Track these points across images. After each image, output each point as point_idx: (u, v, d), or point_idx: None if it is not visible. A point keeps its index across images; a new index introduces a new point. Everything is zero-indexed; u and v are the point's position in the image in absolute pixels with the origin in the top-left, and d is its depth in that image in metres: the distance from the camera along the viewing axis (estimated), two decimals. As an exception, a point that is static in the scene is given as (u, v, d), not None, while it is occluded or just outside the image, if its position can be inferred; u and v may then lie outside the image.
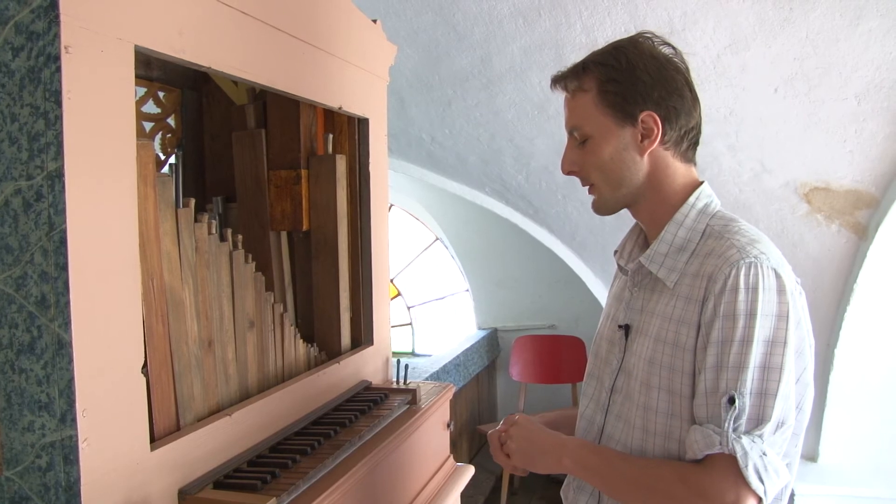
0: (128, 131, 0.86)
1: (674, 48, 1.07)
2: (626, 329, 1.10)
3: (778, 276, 0.95)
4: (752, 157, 2.34)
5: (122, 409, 0.85)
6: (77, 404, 0.77)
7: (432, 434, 1.59)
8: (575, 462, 1.04)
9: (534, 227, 3.31)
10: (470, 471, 1.74)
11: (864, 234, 2.38)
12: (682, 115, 1.04)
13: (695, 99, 1.06)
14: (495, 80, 2.45)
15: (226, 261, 1.19)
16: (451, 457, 1.72)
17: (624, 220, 1.14)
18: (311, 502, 1.03)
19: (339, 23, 1.42)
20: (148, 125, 1.45)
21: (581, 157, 1.08)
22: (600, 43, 1.11)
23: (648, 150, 1.04)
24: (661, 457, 1.00)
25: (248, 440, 1.13)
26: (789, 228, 2.46)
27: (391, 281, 3.60)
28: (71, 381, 0.77)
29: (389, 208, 1.86)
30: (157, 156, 1.47)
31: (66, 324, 0.77)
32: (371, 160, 1.59)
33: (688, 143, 1.07)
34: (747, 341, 0.91)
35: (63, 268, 0.77)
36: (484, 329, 4.83)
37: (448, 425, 1.68)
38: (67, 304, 0.77)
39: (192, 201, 1.10)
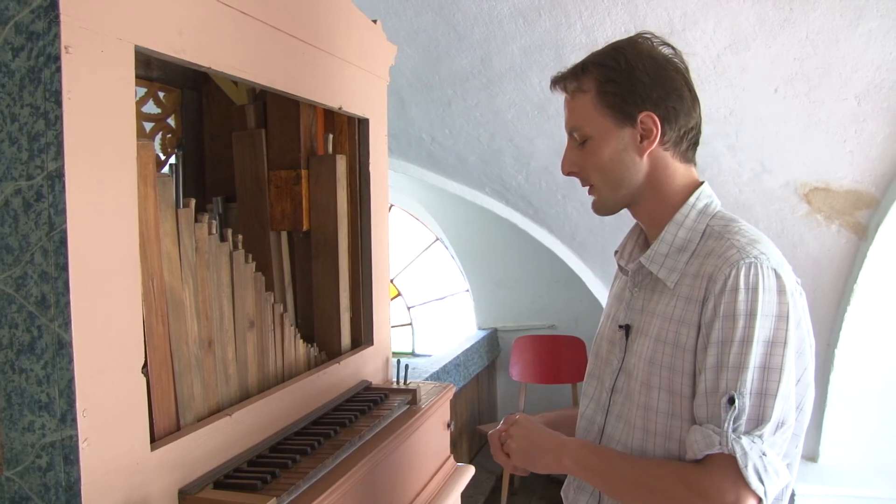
0: (128, 131, 0.86)
1: (673, 48, 1.06)
2: (627, 329, 1.10)
3: (778, 277, 0.95)
4: (752, 157, 2.34)
5: (122, 409, 0.85)
6: (77, 404, 0.77)
7: (432, 434, 1.59)
8: (575, 462, 1.04)
9: (534, 228, 3.31)
10: (470, 471, 1.74)
11: (864, 234, 2.38)
12: (681, 115, 1.04)
13: (694, 99, 1.06)
14: (495, 80, 2.45)
15: (226, 261, 1.19)
16: (452, 457, 1.72)
17: (624, 221, 1.14)
18: (311, 502, 1.03)
19: (340, 23, 1.42)
20: (148, 125, 1.45)
21: (581, 158, 1.08)
22: (600, 43, 1.11)
23: (648, 151, 1.04)
24: (661, 457, 1.00)
25: (248, 440, 1.13)
26: (789, 229, 2.46)
27: (391, 281, 3.59)
28: (71, 381, 0.77)
29: (389, 208, 1.86)
30: (158, 156, 1.47)
31: (67, 324, 0.77)
32: (371, 160, 1.59)
33: (687, 143, 1.07)
34: (747, 341, 0.91)
35: (63, 268, 0.77)
36: (484, 329, 4.83)
37: (448, 425, 1.68)
38: (67, 304, 0.77)
39: (193, 201, 1.10)
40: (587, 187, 1.11)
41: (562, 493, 1.20)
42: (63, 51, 0.75)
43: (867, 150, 2.19)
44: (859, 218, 2.35)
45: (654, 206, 1.08)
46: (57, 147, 0.76)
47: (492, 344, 4.73)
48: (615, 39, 1.08)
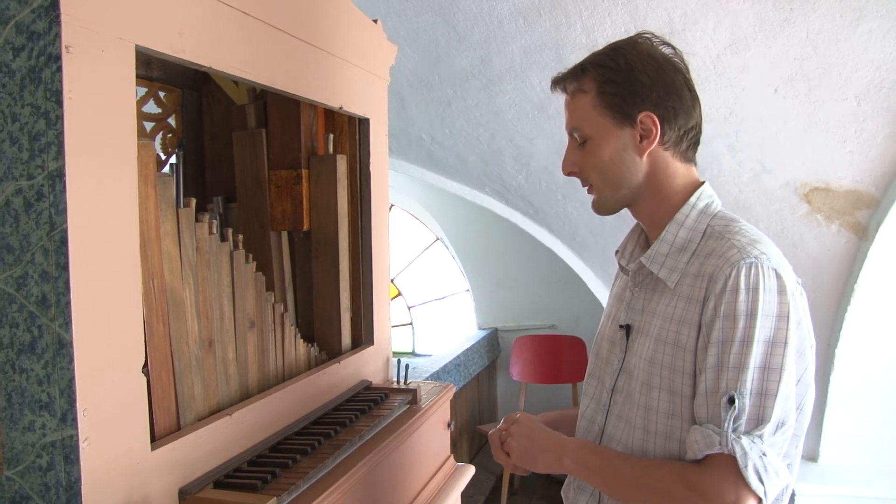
0: (128, 131, 0.86)
1: (673, 48, 1.06)
2: (627, 329, 1.10)
3: (778, 277, 0.95)
4: (752, 157, 2.34)
5: (122, 408, 0.85)
6: (78, 404, 0.77)
7: (433, 434, 1.59)
8: (575, 462, 1.04)
9: (534, 227, 3.32)
10: (470, 471, 1.74)
11: (864, 234, 2.38)
12: (680, 115, 1.04)
13: (694, 99, 1.06)
14: (495, 80, 2.46)
15: (226, 261, 1.19)
16: (452, 457, 1.72)
17: (624, 220, 1.14)
18: (311, 502, 1.03)
19: (340, 23, 1.42)
20: (149, 125, 1.46)
21: (581, 158, 1.08)
22: (601, 43, 1.11)
23: (647, 151, 1.04)
24: (661, 457, 1.00)
25: (249, 440, 1.13)
26: (789, 229, 2.46)
27: (391, 281, 3.59)
28: (71, 380, 0.77)
29: (390, 208, 1.86)
30: (158, 156, 1.47)
31: (67, 323, 0.77)
32: (372, 160, 1.59)
33: (687, 143, 1.07)
34: (747, 341, 0.91)
35: (64, 267, 0.77)
36: (484, 329, 4.83)
37: (448, 425, 1.68)
38: (68, 303, 0.77)
39: (193, 201, 1.10)
40: (587, 187, 1.11)
41: (562, 493, 1.20)
42: (64, 50, 0.75)
43: (867, 150, 2.19)
44: (859, 218, 2.35)
45: (654, 205, 1.08)
46: (58, 147, 0.76)
47: (492, 344, 4.73)
48: (615, 39, 1.08)
